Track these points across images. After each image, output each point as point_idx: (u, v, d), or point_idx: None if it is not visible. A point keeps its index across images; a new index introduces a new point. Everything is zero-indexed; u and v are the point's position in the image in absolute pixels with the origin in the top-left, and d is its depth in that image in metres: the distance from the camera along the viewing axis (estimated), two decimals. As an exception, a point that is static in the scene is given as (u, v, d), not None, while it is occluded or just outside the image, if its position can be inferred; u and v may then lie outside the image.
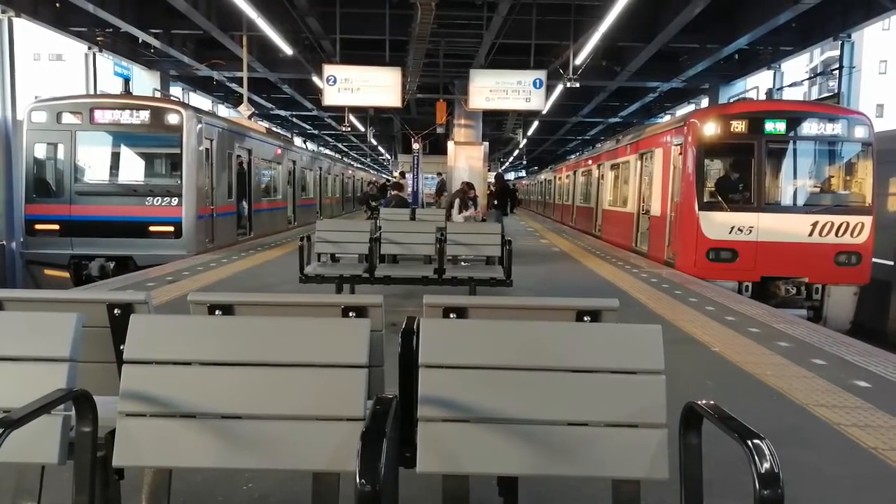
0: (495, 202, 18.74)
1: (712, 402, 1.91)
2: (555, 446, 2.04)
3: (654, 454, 2.00)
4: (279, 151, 20.89)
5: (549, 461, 2.04)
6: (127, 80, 18.47)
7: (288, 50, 18.25)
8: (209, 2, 17.31)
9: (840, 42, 18.15)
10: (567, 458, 2.04)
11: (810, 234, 11.02)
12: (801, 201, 11.55)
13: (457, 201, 13.06)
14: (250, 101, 22.97)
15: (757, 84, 22.32)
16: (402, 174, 26.09)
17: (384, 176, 61.89)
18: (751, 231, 11.10)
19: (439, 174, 24.82)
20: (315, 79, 21.63)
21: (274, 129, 30.83)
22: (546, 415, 2.06)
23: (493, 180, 21.52)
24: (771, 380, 5.31)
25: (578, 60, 17.85)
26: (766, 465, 1.60)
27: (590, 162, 24.02)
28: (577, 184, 26.59)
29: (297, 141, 36.80)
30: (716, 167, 12.40)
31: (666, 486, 2.12)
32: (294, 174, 22.87)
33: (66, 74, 52.64)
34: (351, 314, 2.60)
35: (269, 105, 32.50)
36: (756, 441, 1.65)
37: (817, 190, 11.75)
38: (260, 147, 18.33)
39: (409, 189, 23.60)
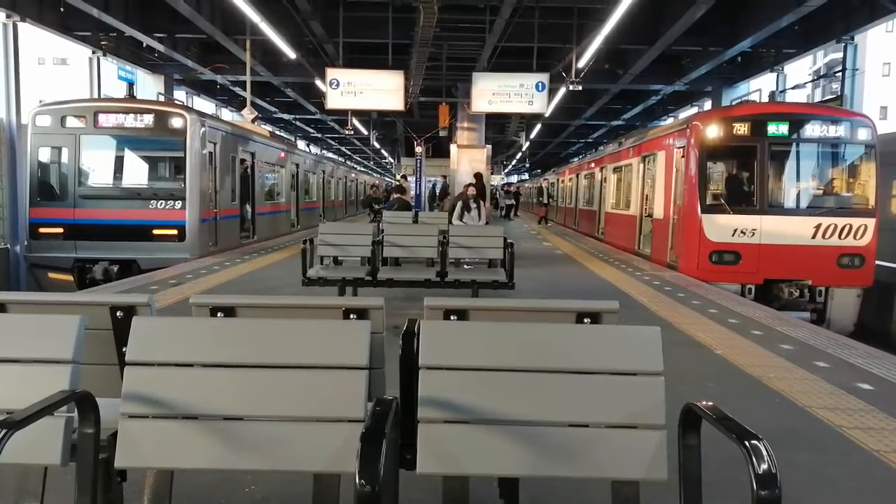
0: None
1: (711, 404, 1.92)
2: (555, 447, 2.05)
3: (654, 455, 2.01)
4: (282, 155, 20.93)
5: (549, 462, 2.05)
6: (131, 84, 18.53)
7: (291, 54, 18.29)
8: (213, 6, 17.37)
9: (843, 44, 18.11)
10: (567, 460, 2.04)
11: (813, 237, 11.00)
12: (804, 204, 11.54)
13: (459, 204, 13.00)
14: (253, 104, 23.02)
15: (760, 87, 22.40)
16: (405, 177, 26.13)
17: (387, 179, 61.98)
18: (754, 233, 11.08)
19: (444, 177, 24.84)
20: (318, 82, 21.69)
21: (277, 132, 30.90)
22: (546, 416, 2.07)
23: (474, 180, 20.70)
24: (774, 382, 5.31)
25: (581, 63, 17.85)
26: (764, 466, 1.60)
27: (592, 165, 24.03)
28: (580, 187, 26.59)
29: (301, 144, 36.87)
30: (718, 170, 12.40)
31: (665, 488, 2.12)
32: (297, 177, 22.91)
33: (70, 78, 52.73)
34: (352, 316, 2.60)
35: (273, 108, 32.58)
36: (754, 442, 1.66)
37: (820, 192, 11.73)
38: (263, 150, 18.37)
39: (412, 192, 23.62)
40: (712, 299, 9.32)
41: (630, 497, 2.07)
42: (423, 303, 2.67)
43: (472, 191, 13.28)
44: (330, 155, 48.54)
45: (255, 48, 20.01)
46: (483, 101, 18.91)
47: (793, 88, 21.65)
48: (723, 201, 11.49)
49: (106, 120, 12.82)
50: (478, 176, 19.60)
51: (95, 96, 18.86)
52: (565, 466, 2.05)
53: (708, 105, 26.37)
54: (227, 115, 31.29)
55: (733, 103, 20.12)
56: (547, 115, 22.51)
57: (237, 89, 26.81)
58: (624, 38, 17.33)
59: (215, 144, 14.19)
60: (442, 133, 23.86)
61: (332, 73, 18.63)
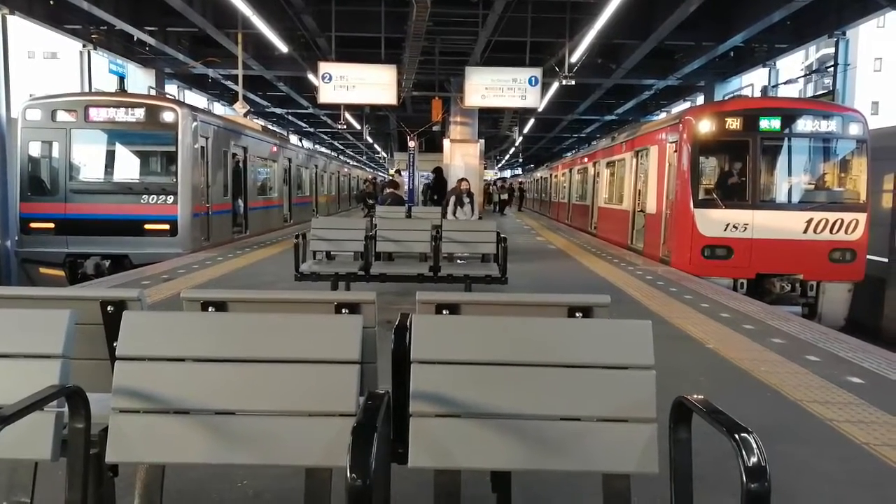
0: (434, 197, 18.11)
1: (701, 397, 1.93)
2: (546, 441, 2.05)
3: (644, 448, 2.01)
4: (275, 149, 20.86)
5: (540, 456, 2.05)
6: (122, 78, 18.49)
7: (283, 47, 18.23)
8: (204, -1, 17.29)
9: (835, 40, 18.18)
10: (559, 453, 2.05)
11: (805, 231, 11.05)
12: (795, 198, 11.58)
13: (452, 199, 12.99)
14: (246, 98, 22.92)
15: (752, 82, 22.45)
16: (398, 172, 26.08)
17: (380, 174, 61.88)
18: (746, 228, 11.12)
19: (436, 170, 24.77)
20: (311, 76, 21.61)
21: (269, 126, 30.80)
22: (538, 410, 2.07)
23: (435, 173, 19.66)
24: (765, 376, 5.34)
25: (574, 58, 17.87)
26: (754, 459, 1.61)
27: (585, 159, 24.03)
28: (573, 181, 26.61)
29: (293, 139, 36.76)
30: (711, 164, 12.42)
31: (656, 481, 2.13)
32: (290, 172, 22.84)
33: (60, 72, 52.47)
34: (344, 311, 2.60)
35: (265, 103, 32.46)
36: (743, 435, 1.66)
37: (812, 187, 11.77)
38: (255, 145, 18.30)
39: (406, 187, 23.57)
40: (704, 293, 9.36)
41: (621, 490, 2.08)
42: (416, 297, 2.67)
43: (465, 185, 13.27)
44: (322, 149, 48.41)
45: (246, 42, 19.91)
46: (476, 96, 18.90)
47: (785, 83, 21.74)
48: (715, 196, 11.51)
49: (97, 114, 12.74)
50: (437, 170, 19.33)
51: (86, 90, 18.74)
52: (557, 460, 2.06)
53: (700, 100, 26.42)
54: (218, 109, 31.15)
55: (725, 98, 20.16)
56: (540, 109, 22.50)
57: (229, 83, 26.71)
58: (616, 32, 17.34)
59: (207, 139, 14.13)
60: (435, 128, 23.81)
61: (324, 67, 18.57)
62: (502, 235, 7.88)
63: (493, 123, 34.05)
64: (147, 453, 2.07)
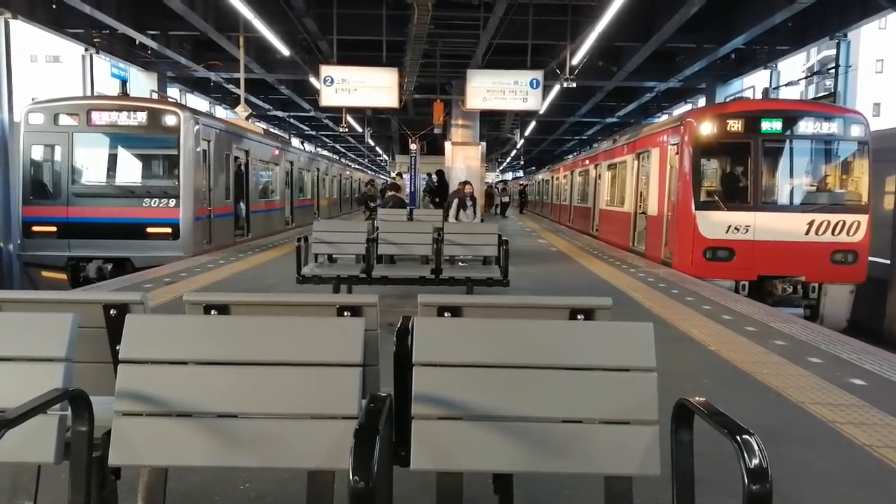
0: (436, 199, 18.24)
1: (703, 399, 1.93)
2: (548, 443, 2.05)
3: (646, 450, 2.02)
4: (276, 152, 20.88)
5: (542, 458, 2.05)
6: (124, 82, 18.48)
7: (285, 51, 18.24)
8: (206, 3, 17.30)
9: (836, 41, 18.17)
10: (560, 455, 2.05)
11: (807, 233, 11.04)
12: (797, 200, 11.58)
13: (455, 202, 12.99)
14: (247, 102, 22.94)
15: (753, 83, 22.44)
16: (400, 175, 26.07)
17: (382, 177, 61.92)
18: (747, 230, 11.12)
19: (438, 172, 24.77)
20: (312, 80, 21.60)
21: (271, 130, 30.83)
22: (540, 412, 2.08)
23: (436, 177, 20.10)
24: (767, 378, 5.33)
25: (575, 60, 17.85)
26: (755, 461, 1.61)
27: (587, 162, 24.04)
28: (575, 184, 26.61)
29: (295, 142, 36.78)
30: (712, 166, 12.43)
31: (658, 483, 2.13)
32: (291, 175, 22.87)
33: (62, 76, 52.61)
34: (346, 313, 2.60)
35: (267, 106, 32.48)
36: (745, 437, 1.67)
37: (814, 189, 11.77)
38: (257, 148, 18.33)
39: (407, 190, 23.56)
40: (706, 296, 9.35)
41: (623, 492, 2.08)
42: (417, 300, 2.67)
43: (468, 189, 13.28)
44: (324, 152, 48.43)
45: (248, 45, 19.92)
46: (477, 99, 18.88)
47: (786, 85, 21.71)
48: (717, 198, 11.51)
49: (99, 118, 12.77)
50: (440, 172, 19.51)
51: (88, 94, 18.77)
52: (559, 462, 2.06)
53: (702, 102, 26.40)
54: (220, 112, 31.18)
55: (727, 100, 20.15)
56: (541, 112, 22.48)
57: (231, 87, 26.72)
58: (618, 34, 17.33)
59: (209, 142, 14.16)
60: (437, 130, 23.82)
61: (326, 70, 18.57)
62: (504, 238, 7.88)
63: (494, 126, 34.06)
64: (150, 456, 2.07)
